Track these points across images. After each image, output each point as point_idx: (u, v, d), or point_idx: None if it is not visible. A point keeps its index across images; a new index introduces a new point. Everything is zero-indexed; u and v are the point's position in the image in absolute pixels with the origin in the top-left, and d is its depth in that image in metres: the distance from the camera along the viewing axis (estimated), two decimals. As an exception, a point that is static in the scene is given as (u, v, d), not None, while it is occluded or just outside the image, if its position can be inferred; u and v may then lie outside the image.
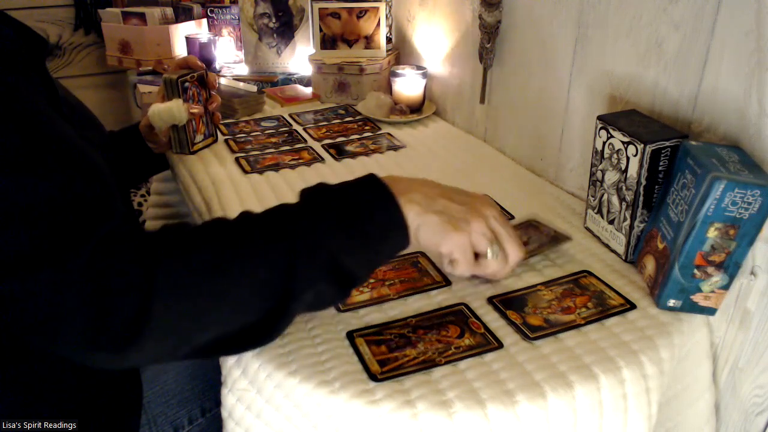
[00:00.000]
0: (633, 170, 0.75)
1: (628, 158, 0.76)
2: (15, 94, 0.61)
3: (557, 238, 0.83)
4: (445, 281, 0.77)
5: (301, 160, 1.14)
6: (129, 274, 0.51)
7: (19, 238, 0.51)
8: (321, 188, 0.64)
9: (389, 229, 0.62)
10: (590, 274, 0.78)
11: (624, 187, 0.78)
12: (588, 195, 0.87)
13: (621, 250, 0.81)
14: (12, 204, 0.52)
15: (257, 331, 0.58)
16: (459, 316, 0.70)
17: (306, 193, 0.63)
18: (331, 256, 0.58)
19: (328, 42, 1.51)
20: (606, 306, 0.72)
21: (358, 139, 1.25)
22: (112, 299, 0.51)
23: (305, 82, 1.62)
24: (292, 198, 0.58)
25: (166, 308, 0.52)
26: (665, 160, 0.74)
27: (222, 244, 0.57)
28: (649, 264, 0.74)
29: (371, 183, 0.63)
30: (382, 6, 1.48)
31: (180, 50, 1.85)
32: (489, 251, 0.68)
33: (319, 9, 1.48)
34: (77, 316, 0.51)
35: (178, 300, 0.53)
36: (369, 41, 1.50)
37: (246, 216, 0.61)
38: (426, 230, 0.63)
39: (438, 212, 0.64)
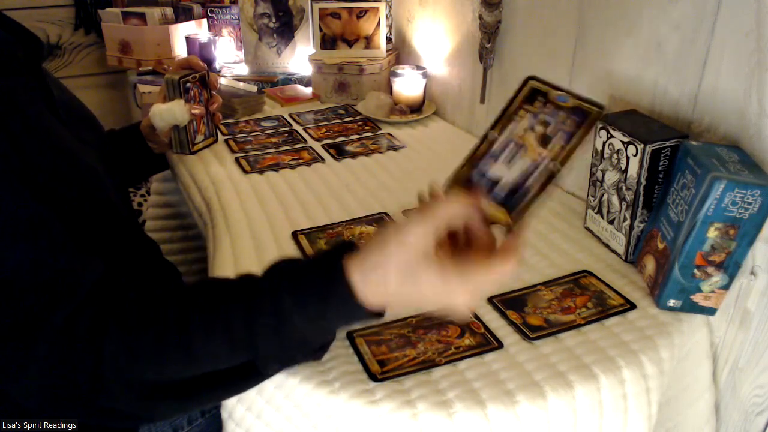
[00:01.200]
0: (633, 170, 0.75)
1: (628, 158, 0.76)
2: (11, 99, 0.61)
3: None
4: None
5: (301, 160, 1.14)
6: (80, 367, 0.54)
7: None
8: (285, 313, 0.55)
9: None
10: (590, 274, 0.78)
11: (624, 187, 0.78)
12: (588, 195, 0.86)
13: (621, 250, 0.81)
14: None
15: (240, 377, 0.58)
16: (459, 316, 0.70)
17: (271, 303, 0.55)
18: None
19: (328, 42, 1.51)
20: (606, 306, 0.72)
21: (358, 139, 1.25)
22: (68, 374, 0.54)
23: (305, 82, 1.62)
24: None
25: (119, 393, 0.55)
26: (665, 160, 0.74)
27: (184, 338, 0.55)
28: (649, 264, 0.74)
29: (349, 303, 0.53)
30: (382, 6, 1.48)
31: (180, 50, 1.85)
32: None
33: (319, 9, 1.48)
34: (34, 392, 0.55)
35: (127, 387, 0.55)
36: (369, 41, 1.50)
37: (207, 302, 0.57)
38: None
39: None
